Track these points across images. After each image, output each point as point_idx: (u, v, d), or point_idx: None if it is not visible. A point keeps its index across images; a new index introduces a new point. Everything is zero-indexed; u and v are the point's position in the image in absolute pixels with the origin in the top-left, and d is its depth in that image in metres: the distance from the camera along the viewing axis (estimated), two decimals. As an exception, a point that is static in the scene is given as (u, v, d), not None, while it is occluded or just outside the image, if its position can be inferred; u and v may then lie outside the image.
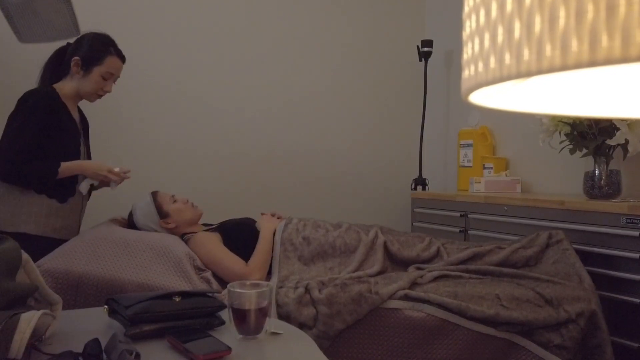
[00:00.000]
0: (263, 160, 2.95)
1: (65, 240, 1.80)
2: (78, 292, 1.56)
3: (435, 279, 1.70)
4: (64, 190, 1.88)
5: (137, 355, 0.90)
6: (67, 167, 1.82)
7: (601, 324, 1.57)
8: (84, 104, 2.04)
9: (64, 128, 1.86)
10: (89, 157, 2.06)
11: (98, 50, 1.90)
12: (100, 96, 1.96)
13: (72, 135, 1.91)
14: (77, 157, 1.92)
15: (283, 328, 1.18)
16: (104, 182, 1.95)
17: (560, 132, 2.07)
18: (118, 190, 2.48)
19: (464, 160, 2.86)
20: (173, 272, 1.64)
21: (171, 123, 2.72)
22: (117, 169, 1.90)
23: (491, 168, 2.70)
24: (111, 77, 1.95)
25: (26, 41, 1.56)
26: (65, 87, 1.91)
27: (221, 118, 2.84)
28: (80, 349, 0.94)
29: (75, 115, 1.97)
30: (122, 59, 1.96)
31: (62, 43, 1.97)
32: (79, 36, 1.83)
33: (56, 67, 1.95)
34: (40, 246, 1.76)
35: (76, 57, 1.89)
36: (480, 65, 0.37)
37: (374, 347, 1.53)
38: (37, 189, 1.83)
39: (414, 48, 3.29)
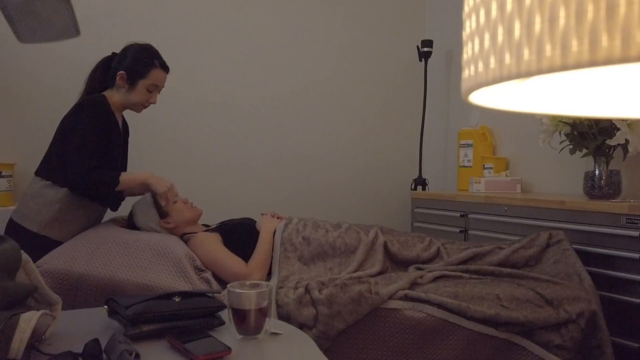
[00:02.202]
0: (263, 160, 2.95)
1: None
2: (78, 292, 1.56)
3: (436, 279, 1.70)
4: (119, 197, 1.96)
5: (137, 355, 0.90)
6: (130, 178, 1.84)
7: (601, 324, 1.57)
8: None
9: (111, 137, 1.89)
10: (124, 165, 2.10)
11: (143, 64, 1.93)
12: (145, 107, 2.00)
13: (116, 145, 1.94)
14: (116, 166, 1.95)
15: (283, 328, 1.18)
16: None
17: (560, 132, 2.06)
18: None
19: (464, 160, 2.86)
20: (173, 272, 1.64)
21: (170, 123, 2.72)
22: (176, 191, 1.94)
23: (491, 168, 2.70)
24: (156, 88, 1.98)
25: (26, 41, 1.56)
26: (112, 97, 1.94)
27: (220, 118, 2.84)
28: (80, 349, 0.94)
29: (119, 124, 2.00)
30: (166, 70, 1.99)
31: (106, 51, 2.02)
32: (78, 36, 1.84)
33: (103, 76, 1.98)
34: (41, 245, 1.76)
35: (122, 72, 1.91)
36: (481, 65, 0.37)
37: (374, 348, 1.53)
38: (101, 198, 1.89)
39: (414, 48, 3.29)
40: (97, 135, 1.81)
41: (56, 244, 1.78)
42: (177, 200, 1.99)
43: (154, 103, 2.00)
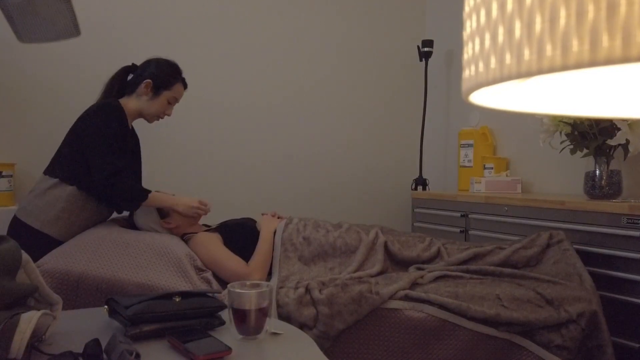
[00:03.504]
0: (263, 160, 2.95)
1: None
2: (78, 292, 1.56)
3: (436, 279, 1.70)
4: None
5: (137, 355, 0.90)
6: (158, 198, 1.86)
7: (602, 324, 1.57)
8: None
9: (124, 143, 1.91)
10: (138, 172, 2.12)
11: (169, 76, 1.98)
12: (160, 118, 2.04)
13: (129, 151, 1.96)
14: (132, 171, 1.97)
15: (283, 328, 1.18)
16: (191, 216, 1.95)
17: (560, 132, 2.06)
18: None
19: (464, 160, 2.86)
20: (173, 272, 1.64)
21: (171, 123, 2.72)
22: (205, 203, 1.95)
23: (492, 168, 2.70)
24: (175, 101, 2.03)
25: (26, 41, 1.56)
26: (129, 104, 1.97)
27: (221, 118, 2.84)
28: (80, 349, 0.94)
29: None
30: (186, 87, 2.06)
31: (123, 61, 2.05)
32: (79, 36, 1.84)
33: (122, 83, 2.02)
34: (41, 243, 1.76)
35: (148, 80, 1.95)
36: (481, 65, 0.37)
37: (374, 348, 1.53)
38: (121, 204, 1.90)
39: (414, 48, 3.29)
40: (115, 138, 1.84)
41: (56, 242, 1.78)
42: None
43: (169, 115, 2.05)
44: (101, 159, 1.78)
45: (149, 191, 1.84)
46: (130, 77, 2.03)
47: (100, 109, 1.86)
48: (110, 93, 2.00)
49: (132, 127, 2.10)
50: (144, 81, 1.95)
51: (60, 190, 1.82)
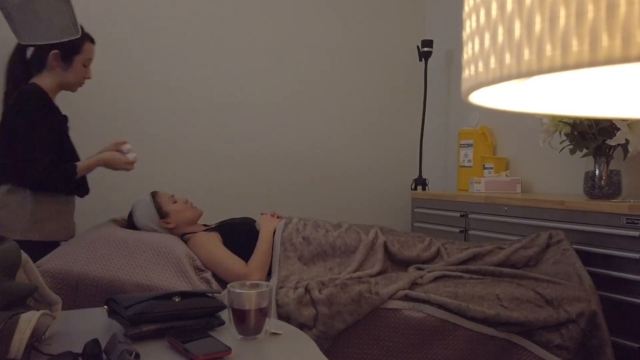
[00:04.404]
0: (263, 159, 2.95)
1: (60, 242, 1.80)
2: (78, 292, 1.56)
3: (436, 279, 1.70)
4: (84, 184, 1.94)
5: (137, 355, 0.90)
6: (86, 165, 1.83)
7: (601, 324, 1.57)
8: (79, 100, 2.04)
9: (56, 124, 1.84)
10: (69, 153, 2.01)
11: (74, 39, 1.85)
12: (81, 85, 1.93)
13: (64, 130, 1.89)
14: (73, 151, 1.92)
15: (283, 328, 1.18)
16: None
17: (560, 132, 2.06)
18: (118, 190, 2.48)
19: (464, 160, 2.86)
20: (173, 272, 1.64)
21: (170, 122, 2.72)
22: (131, 158, 1.91)
23: (491, 168, 2.70)
24: (90, 62, 1.91)
25: (26, 41, 1.55)
26: (45, 82, 1.83)
27: (221, 117, 2.84)
28: (80, 349, 0.94)
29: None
30: (94, 42, 1.93)
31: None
32: (78, 36, 1.83)
33: (23, 64, 1.87)
34: (27, 250, 1.74)
35: (55, 51, 1.81)
36: (481, 65, 0.37)
37: (374, 348, 1.53)
38: (64, 190, 1.86)
39: (414, 48, 3.29)
40: (42, 128, 1.75)
41: (41, 244, 1.76)
42: (177, 201, 1.99)
43: (89, 78, 1.93)
44: (29, 157, 1.71)
45: (75, 165, 1.79)
46: (29, 52, 1.86)
47: (17, 103, 1.75)
48: (15, 78, 1.86)
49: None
50: (51, 53, 1.81)
51: (20, 196, 1.77)
